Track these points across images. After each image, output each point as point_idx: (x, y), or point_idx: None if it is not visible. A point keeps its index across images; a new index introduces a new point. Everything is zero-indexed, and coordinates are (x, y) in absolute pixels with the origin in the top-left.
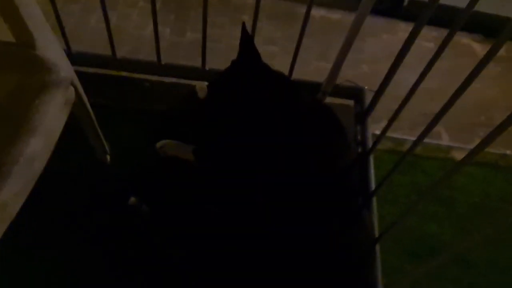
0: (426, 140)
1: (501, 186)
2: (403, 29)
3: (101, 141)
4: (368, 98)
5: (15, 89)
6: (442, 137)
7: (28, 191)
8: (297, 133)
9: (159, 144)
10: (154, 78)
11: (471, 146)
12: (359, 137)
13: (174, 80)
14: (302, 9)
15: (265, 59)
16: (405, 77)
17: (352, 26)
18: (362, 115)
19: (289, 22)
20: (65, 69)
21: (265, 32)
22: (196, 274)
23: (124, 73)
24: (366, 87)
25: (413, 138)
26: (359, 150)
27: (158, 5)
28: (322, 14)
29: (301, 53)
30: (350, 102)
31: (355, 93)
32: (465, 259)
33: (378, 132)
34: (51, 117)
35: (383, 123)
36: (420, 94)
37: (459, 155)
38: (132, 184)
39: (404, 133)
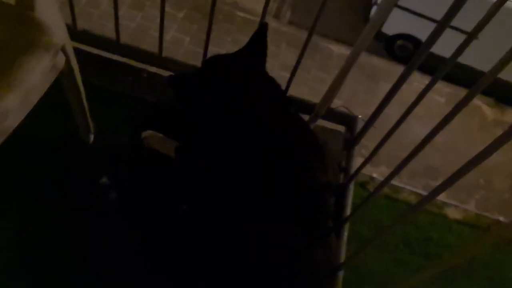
0: (423, 192)
1: (488, 252)
2: (418, 80)
3: (86, 118)
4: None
5: (4, 42)
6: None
7: None
8: (278, 146)
9: (144, 134)
10: (153, 70)
11: (467, 206)
12: (343, 163)
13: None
14: (324, 43)
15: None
16: (413, 127)
17: (348, 57)
18: (351, 142)
19: (309, 52)
20: (59, 36)
21: (282, 58)
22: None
23: (125, 60)
24: (360, 116)
25: (410, 187)
26: (341, 176)
27: (182, 14)
28: (342, 51)
29: (314, 83)
30: (342, 128)
31: (347, 120)
32: None
33: (375, 175)
34: (34, 78)
35: (383, 168)
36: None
37: (452, 213)
38: (108, 166)
39: (402, 181)
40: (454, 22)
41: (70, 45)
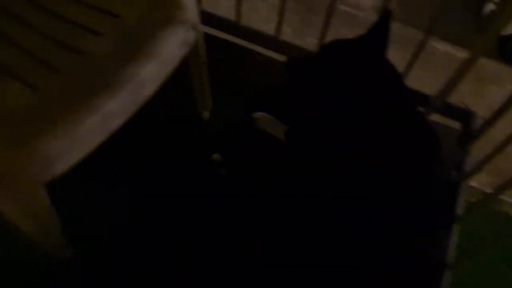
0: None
1: None
2: None
3: (207, 95)
4: (476, 126)
5: (144, 16)
6: None
7: (131, 112)
8: (395, 135)
9: (256, 115)
10: (268, 53)
11: None
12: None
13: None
14: (435, 43)
15: None
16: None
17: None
18: (466, 139)
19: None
20: (193, 11)
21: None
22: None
23: (242, 43)
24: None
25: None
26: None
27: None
28: (447, 49)
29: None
30: (455, 125)
31: (464, 115)
32: None
33: (473, 183)
34: (169, 51)
35: (483, 176)
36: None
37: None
38: (220, 143)
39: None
40: None
41: (199, 22)
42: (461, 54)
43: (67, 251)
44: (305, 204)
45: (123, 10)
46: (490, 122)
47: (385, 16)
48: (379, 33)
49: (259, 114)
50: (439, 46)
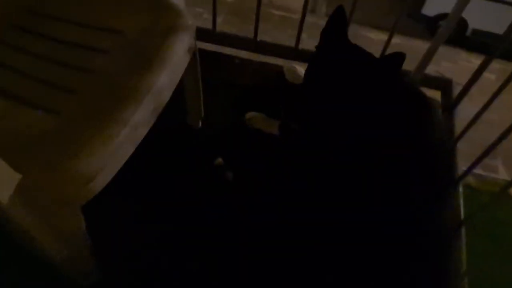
0: (483, 173)
1: None
2: (464, 58)
3: (200, 103)
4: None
5: (147, 28)
6: (499, 172)
7: (153, 120)
8: (390, 107)
9: (248, 116)
10: (245, 56)
11: None
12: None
13: (262, 60)
14: (364, 32)
15: None
16: (464, 106)
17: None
18: (450, 105)
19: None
20: (191, 20)
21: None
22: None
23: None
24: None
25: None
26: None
27: (221, 19)
28: (381, 37)
29: None
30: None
31: (443, 84)
32: None
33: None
34: (178, 56)
35: None
36: (480, 126)
37: None
38: (219, 147)
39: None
40: None
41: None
42: (394, 40)
43: (94, 277)
44: (308, 192)
45: (124, 25)
46: (467, 87)
47: (339, 9)
48: (338, 22)
49: (250, 114)
50: (372, 35)
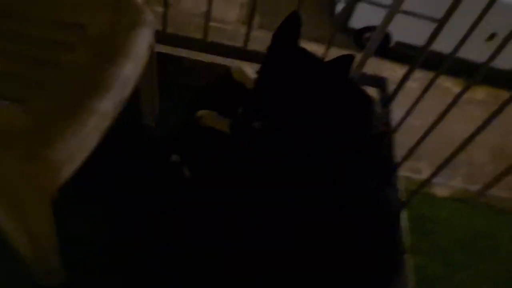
0: (410, 175)
1: (482, 223)
2: (389, 67)
3: (156, 102)
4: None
5: (110, 23)
6: (423, 173)
7: (119, 109)
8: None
9: (199, 113)
10: (193, 57)
11: (453, 183)
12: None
13: (210, 60)
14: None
15: None
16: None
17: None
18: (386, 100)
19: None
20: (152, 16)
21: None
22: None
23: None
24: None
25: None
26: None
27: None
28: (313, 48)
29: None
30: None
31: (379, 82)
32: None
33: None
34: (141, 49)
35: None
36: (405, 130)
37: (440, 191)
38: (174, 145)
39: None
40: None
41: None
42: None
43: (57, 279)
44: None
45: (87, 20)
46: (401, 84)
47: (293, 15)
48: (291, 26)
49: (201, 112)
50: (306, 46)
